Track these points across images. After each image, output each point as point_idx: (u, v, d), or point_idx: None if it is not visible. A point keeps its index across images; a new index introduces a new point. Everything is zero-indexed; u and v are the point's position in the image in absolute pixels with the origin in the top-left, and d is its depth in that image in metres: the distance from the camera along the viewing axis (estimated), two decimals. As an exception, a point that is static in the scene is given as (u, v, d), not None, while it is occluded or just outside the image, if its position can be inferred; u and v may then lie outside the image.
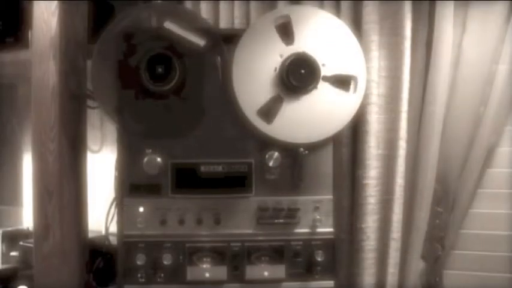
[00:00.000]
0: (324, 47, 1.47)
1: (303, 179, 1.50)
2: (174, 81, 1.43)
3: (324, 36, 1.48)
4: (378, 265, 1.66)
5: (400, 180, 1.64)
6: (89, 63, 1.64)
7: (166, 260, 1.46)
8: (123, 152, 1.48)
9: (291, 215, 1.49)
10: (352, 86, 1.49)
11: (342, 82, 1.48)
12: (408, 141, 1.66)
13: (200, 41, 1.44)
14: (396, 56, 1.65)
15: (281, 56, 1.46)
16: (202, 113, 1.47)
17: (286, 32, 1.47)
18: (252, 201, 1.49)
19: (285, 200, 1.50)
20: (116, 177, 1.52)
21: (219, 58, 1.47)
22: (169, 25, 1.43)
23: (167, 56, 1.42)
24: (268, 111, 1.45)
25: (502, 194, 1.73)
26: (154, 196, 1.48)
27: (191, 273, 1.47)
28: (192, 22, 1.50)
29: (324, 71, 1.46)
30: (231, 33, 1.50)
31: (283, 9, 1.55)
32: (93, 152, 2.12)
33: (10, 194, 2.40)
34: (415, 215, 1.67)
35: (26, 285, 1.83)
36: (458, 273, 1.76)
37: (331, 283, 1.50)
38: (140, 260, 1.46)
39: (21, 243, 1.99)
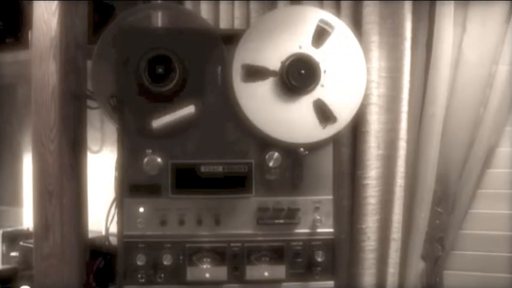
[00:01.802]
0: (332, 70, 1.48)
1: (303, 179, 1.50)
2: (174, 82, 1.43)
3: (338, 60, 1.49)
4: (378, 265, 1.66)
5: (400, 181, 1.64)
6: (89, 63, 1.64)
7: (167, 261, 1.46)
8: (123, 152, 1.48)
9: (291, 215, 1.49)
10: (329, 123, 1.48)
11: (323, 113, 1.48)
12: (408, 142, 1.66)
13: (190, 109, 1.43)
14: (396, 56, 1.65)
15: (281, 57, 1.46)
16: (202, 113, 1.46)
17: (320, 36, 1.48)
18: (252, 201, 1.49)
19: (285, 200, 1.50)
20: (116, 178, 1.51)
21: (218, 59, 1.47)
22: (157, 123, 1.42)
23: (167, 56, 1.42)
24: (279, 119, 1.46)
25: (502, 194, 1.73)
26: (154, 196, 1.48)
27: (191, 273, 1.47)
28: (192, 22, 1.50)
29: (323, 79, 1.46)
30: (231, 33, 1.50)
31: (273, 12, 1.56)
32: (93, 152, 2.12)
33: (10, 194, 2.40)
34: (415, 215, 1.67)
35: (26, 285, 1.84)
36: (458, 273, 1.76)
37: (331, 283, 1.50)
38: (140, 261, 1.46)
39: (21, 243, 1.99)
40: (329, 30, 1.48)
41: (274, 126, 1.46)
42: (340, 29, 1.50)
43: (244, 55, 1.45)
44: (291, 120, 1.46)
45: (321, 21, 1.48)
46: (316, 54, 1.46)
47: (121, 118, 1.47)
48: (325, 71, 1.46)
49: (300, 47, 1.46)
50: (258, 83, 1.45)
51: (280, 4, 1.73)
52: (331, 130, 1.48)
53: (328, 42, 1.48)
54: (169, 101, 1.44)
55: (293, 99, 1.46)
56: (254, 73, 1.45)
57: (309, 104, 1.46)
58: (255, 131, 1.46)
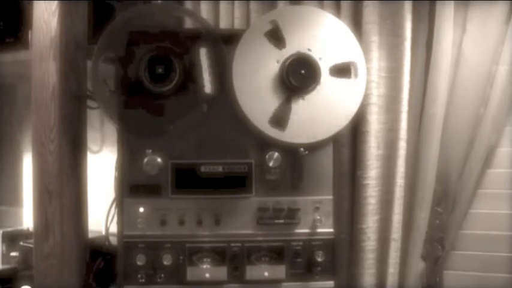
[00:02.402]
0: (317, 42, 1.47)
1: (303, 179, 1.50)
2: (174, 82, 1.43)
3: (316, 32, 1.48)
4: (378, 265, 1.67)
5: (400, 181, 1.64)
6: (89, 63, 1.64)
7: (167, 261, 1.46)
8: (123, 152, 1.48)
9: (291, 215, 1.49)
10: (352, 72, 1.48)
11: (342, 70, 1.48)
12: (408, 142, 1.66)
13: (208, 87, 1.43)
14: (396, 56, 1.65)
15: (278, 61, 1.46)
16: (202, 113, 1.46)
17: (276, 36, 1.47)
18: (252, 201, 1.49)
19: (285, 200, 1.50)
20: (116, 178, 1.52)
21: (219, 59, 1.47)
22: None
23: (167, 56, 1.42)
24: (280, 118, 1.46)
25: (502, 194, 1.73)
26: (154, 196, 1.48)
27: (191, 273, 1.47)
28: (192, 22, 1.50)
29: (322, 65, 1.46)
30: (231, 34, 1.50)
31: (270, 14, 1.55)
32: (93, 152, 2.12)
33: (10, 194, 2.40)
34: (415, 215, 1.67)
35: (26, 285, 1.84)
36: (458, 273, 1.76)
37: (331, 283, 1.50)
38: (140, 261, 1.46)
39: (21, 243, 1.99)
40: (350, 75, 1.48)
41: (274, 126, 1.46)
42: (282, 14, 1.49)
43: (244, 55, 1.45)
44: (291, 120, 1.46)
45: (353, 64, 1.48)
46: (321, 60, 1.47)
47: (121, 118, 1.47)
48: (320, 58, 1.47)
49: (310, 50, 1.46)
50: (258, 83, 1.45)
51: (280, 4, 1.73)
52: (311, 137, 1.47)
53: (285, 33, 1.47)
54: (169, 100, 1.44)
55: (293, 99, 1.46)
56: (254, 73, 1.45)
57: (326, 78, 1.46)
58: (255, 131, 1.46)
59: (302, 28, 1.48)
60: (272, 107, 1.46)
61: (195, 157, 1.48)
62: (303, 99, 1.46)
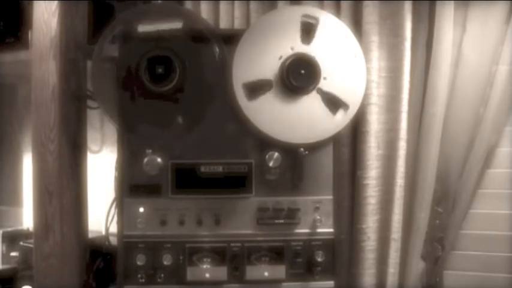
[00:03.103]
0: (329, 61, 1.47)
1: (303, 179, 1.50)
2: (174, 82, 1.43)
3: (334, 51, 1.48)
4: (378, 265, 1.67)
5: (400, 181, 1.64)
6: (89, 63, 1.64)
7: (167, 261, 1.46)
8: (123, 152, 1.48)
9: (291, 215, 1.49)
10: (340, 111, 1.48)
11: (333, 103, 1.48)
12: (408, 142, 1.66)
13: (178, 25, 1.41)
14: (396, 56, 1.65)
15: (280, 57, 1.46)
16: (202, 113, 1.46)
17: (308, 32, 1.47)
18: (252, 201, 1.49)
19: (285, 200, 1.50)
20: (116, 178, 1.52)
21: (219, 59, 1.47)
22: (143, 28, 1.42)
23: (167, 56, 1.42)
24: (279, 119, 1.46)
25: (502, 194, 1.73)
26: (155, 196, 1.48)
27: (191, 273, 1.47)
28: (192, 22, 1.50)
29: (322, 65, 1.46)
30: (231, 34, 1.50)
31: (271, 13, 1.56)
32: (93, 152, 2.12)
33: (10, 194, 2.40)
34: (415, 215, 1.67)
35: (26, 285, 1.84)
36: (458, 273, 1.76)
37: (331, 283, 1.50)
38: (140, 261, 1.46)
39: (21, 243, 1.99)
40: (313, 22, 1.47)
41: (274, 126, 1.46)
42: (325, 19, 1.48)
43: (244, 55, 1.45)
44: (291, 120, 1.46)
45: (304, 16, 1.47)
46: (310, 50, 1.46)
47: (121, 118, 1.47)
48: (325, 78, 1.46)
49: (292, 48, 1.46)
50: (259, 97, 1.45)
51: (280, 4, 1.73)
52: (345, 118, 1.47)
53: (318, 36, 1.47)
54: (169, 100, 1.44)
55: (293, 99, 1.46)
56: (254, 73, 1.45)
57: (315, 98, 1.46)
58: (255, 131, 1.46)
59: (283, 30, 1.47)
60: (272, 107, 1.46)
61: (195, 157, 1.48)
62: (303, 99, 1.46)
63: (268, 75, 1.46)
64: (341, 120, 1.49)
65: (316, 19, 1.47)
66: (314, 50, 1.46)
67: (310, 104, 1.47)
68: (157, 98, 1.44)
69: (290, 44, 1.46)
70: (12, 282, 1.98)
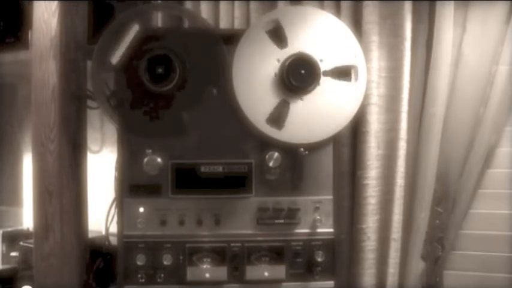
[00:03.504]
0: (318, 43, 1.47)
1: (303, 179, 1.50)
2: (174, 82, 1.43)
3: (317, 33, 1.48)
4: (378, 265, 1.67)
5: (400, 181, 1.64)
6: (89, 63, 1.64)
7: (167, 261, 1.46)
8: (123, 152, 1.48)
9: (291, 215, 1.49)
10: (353, 75, 1.48)
11: (343, 73, 1.48)
12: (408, 142, 1.66)
13: (135, 28, 1.42)
14: (396, 56, 1.65)
15: (278, 60, 1.46)
16: (202, 113, 1.46)
17: (278, 35, 1.47)
18: (252, 201, 1.49)
19: (285, 200, 1.50)
20: (116, 178, 1.52)
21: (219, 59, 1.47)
22: (115, 58, 1.42)
23: (167, 56, 1.42)
24: (277, 117, 1.46)
25: (502, 194, 1.73)
26: (155, 196, 1.48)
27: (191, 273, 1.47)
28: (192, 22, 1.50)
29: (323, 66, 1.46)
30: (231, 34, 1.50)
31: (271, 13, 1.55)
32: (93, 152, 2.12)
33: (10, 194, 2.40)
34: (415, 215, 1.67)
35: (26, 285, 1.84)
36: (458, 273, 1.76)
37: (331, 283, 1.50)
38: (140, 261, 1.46)
39: (21, 243, 1.99)
40: (274, 25, 1.47)
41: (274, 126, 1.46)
42: (285, 14, 1.49)
43: (244, 56, 1.45)
44: (291, 121, 1.46)
45: (264, 25, 1.47)
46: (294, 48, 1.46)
47: (121, 118, 1.47)
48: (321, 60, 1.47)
49: (321, 61, 1.46)
50: (258, 83, 1.45)
51: (280, 4, 1.73)
52: (311, 137, 1.47)
53: (287, 33, 1.47)
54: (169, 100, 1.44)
55: (293, 99, 1.46)
56: (255, 73, 1.45)
57: (315, 98, 1.46)
58: (255, 131, 1.46)
59: (302, 28, 1.48)
60: (272, 107, 1.46)
61: (195, 157, 1.48)
62: (303, 99, 1.46)
63: (268, 75, 1.46)
64: (341, 120, 1.49)
65: (276, 21, 1.47)
66: (296, 47, 1.46)
67: (311, 103, 1.47)
68: (157, 98, 1.44)
69: (277, 53, 1.46)
70: (12, 282, 1.98)
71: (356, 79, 1.48)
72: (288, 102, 1.46)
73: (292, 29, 1.47)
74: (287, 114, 1.46)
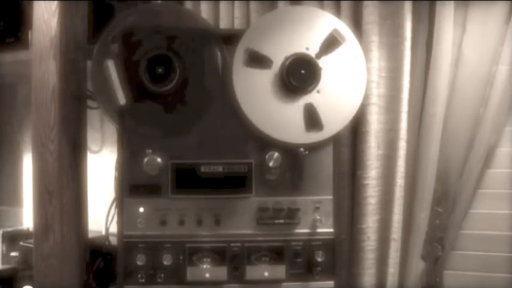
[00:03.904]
0: (316, 42, 1.47)
1: (303, 179, 1.50)
2: (174, 82, 1.43)
3: (315, 31, 1.48)
4: (378, 265, 1.67)
5: (400, 181, 1.64)
6: (89, 63, 1.64)
7: (167, 261, 1.46)
8: (123, 152, 1.48)
9: (291, 215, 1.49)
10: (340, 40, 1.48)
11: (331, 44, 1.48)
12: (408, 142, 1.66)
13: (122, 99, 1.42)
14: (396, 56, 1.65)
15: (285, 54, 1.46)
16: (202, 113, 1.46)
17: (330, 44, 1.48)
18: (252, 201, 1.49)
19: (285, 200, 1.50)
20: (116, 178, 1.52)
21: (219, 59, 1.47)
22: (110, 67, 1.42)
23: (167, 56, 1.42)
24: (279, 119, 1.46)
25: (502, 194, 1.73)
26: (155, 196, 1.48)
27: (191, 273, 1.47)
28: (192, 22, 1.50)
29: (322, 65, 1.46)
30: (231, 34, 1.50)
31: (268, 15, 1.56)
32: (93, 152, 2.12)
33: (10, 194, 2.40)
34: (415, 215, 1.67)
35: (27, 285, 1.84)
36: (458, 273, 1.76)
37: (331, 283, 1.50)
38: (140, 261, 1.46)
39: (21, 243, 1.99)
40: (340, 41, 1.48)
41: (274, 126, 1.46)
42: (351, 42, 1.49)
43: (249, 42, 1.45)
44: (291, 120, 1.46)
45: (335, 31, 1.48)
46: (321, 60, 1.46)
47: (121, 118, 1.47)
48: (324, 79, 1.46)
49: (307, 49, 1.46)
50: (258, 83, 1.45)
51: (280, 4, 1.73)
52: (315, 137, 1.47)
53: (336, 53, 1.48)
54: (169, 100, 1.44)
55: (293, 99, 1.46)
56: (256, 60, 1.45)
57: (300, 106, 1.46)
58: (254, 131, 1.46)
59: (302, 28, 1.48)
60: (272, 107, 1.46)
61: (195, 157, 1.48)
62: (303, 99, 1.46)
63: (269, 75, 1.46)
64: (341, 120, 1.49)
65: (344, 40, 1.49)
66: (325, 62, 1.47)
67: (301, 106, 1.47)
68: (157, 98, 1.44)
69: (306, 45, 1.46)
70: (12, 282, 1.98)
71: (343, 40, 1.48)
72: (289, 103, 1.46)
73: (291, 29, 1.47)
74: (289, 114, 1.46)
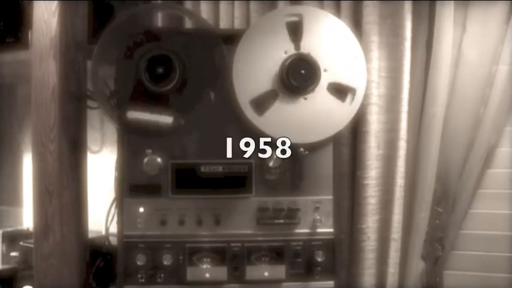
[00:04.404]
0: (328, 52, 1.47)
1: (303, 179, 1.50)
2: (174, 82, 1.43)
3: (329, 42, 1.48)
4: (378, 265, 1.67)
5: (400, 181, 1.64)
6: (89, 63, 1.64)
7: (167, 261, 1.46)
8: (123, 152, 1.48)
9: (291, 215, 1.49)
10: (349, 98, 1.48)
11: (340, 91, 1.48)
12: (408, 142, 1.66)
13: (168, 120, 1.43)
14: (396, 56, 1.65)
15: (286, 51, 1.45)
16: (202, 113, 1.46)
17: (295, 31, 1.46)
18: (252, 201, 1.49)
19: (285, 201, 1.50)
20: (116, 178, 1.52)
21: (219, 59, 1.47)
22: (132, 114, 1.42)
23: (167, 56, 1.42)
24: (262, 104, 1.45)
25: (502, 194, 1.73)
26: (154, 196, 1.48)
27: (191, 273, 1.47)
28: (192, 22, 1.50)
29: (325, 77, 1.46)
30: (231, 33, 1.50)
31: (296, 8, 1.55)
32: (93, 152, 2.12)
33: (10, 194, 2.40)
34: (415, 215, 1.67)
35: (27, 285, 1.84)
36: (458, 273, 1.76)
37: (331, 283, 1.50)
38: (140, 261, 1.46)
39: (21, 243, 1.99)
40: (298, 19, 1.47)
41: (274, 126, 1.46)
42: (309, 13, 1.48)
43: (244, 55, 1.45)
44: (292, 120, 1.46)
45: (287, 15, 1.47)
46: (302, 48, 1.46)
47: (121, 118, 1.47)
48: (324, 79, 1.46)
49: (286, 52, 1.46)
50: (258, 84, 1.45)
51: (280, 4, 1.73)
52: (315, 137, 1.46)
53: (305, 31, 1.46)
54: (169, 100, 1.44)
55: (293, 99, 1.46)
56: (254, 73, 1.45)
57: (300, 106, 1.46)
58: (255, 131, 1.46)
59: (316, 32, 1.48)
60: (272, 107, 1.46)
61: (195, 157, 1.48)
62: (303, 99, 1.46)
63: (269, 75, 1.46)
64: (341, 120, 1.49)
65: (299, 15, 1.47)
66: (306, 47, 1.46)
67: (311, 103, 1.47)
68: (157, 98, 1.44)
69: (284, 49, 1.46)
70: (12, 282, 1.98)
71: (351, 102, 1.48)
72: (289, 103, 1.46)
73: (306, 29, 1.47)
74: (289, 114, 1.46)
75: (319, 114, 1.47)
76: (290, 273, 1.49)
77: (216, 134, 1.48)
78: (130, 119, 1.42)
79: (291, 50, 1.46)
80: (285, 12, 1.49)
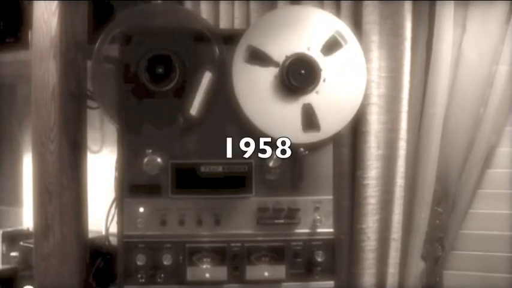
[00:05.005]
0: (316, 42, 1.47)
1: (303, 179, 1.49)
2: (174, 82, 1.43)
3: (315, 31, 1.48)
4: (378, 265, 1.67)
5: (400, 181, 1.64)
6: (89, 63, 1.64)
7: (167, 261, 1.46)
8: (123, 152, 1.48)
9: (291, 215, 1.49)
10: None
11: (332, 46, 1.48)
12: (408, 142, 1.66)
13: (207, 76, 1.43)
14: (396, 56, 1.65)
15: (286, 52, 1.46)
16: (202, 113, 1.46)
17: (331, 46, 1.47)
18: (252, 201, 1.49)
19: (285, 200, 1.50)
20: (116, 178, 1.52)
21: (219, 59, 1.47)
22: (193, 109, 1.43)
23: (167, 56, 1.42)
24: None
25: (502, 194, 1.73)
26: (154, 196, 1.48)
27: (191, 273, 1.47)
28: (192, 22, 1.50)
29: (322, 65, 1.46)
30: (231, 33, 1.50)
31: (267, 15, 1.55)
32: (93, 152, 2.12)
33: (10, 194, 2.40)
34: (415, 215, 1.67)
35: (28, 285, 1.84)
36: (458, 273, 1.76)
37: (331, 283, 1.50)
38: (140, 261, 1.46)
39: (21, 243, 1.99)
40: (342, 44, 1.48)
41: (274, 126, 1.46)
42: (353, 45, 1.49)
43: (251, 40, 1.45)
44: (291, 120, 1.46)
45: (337, 33, 1.48)
46: (322, 60, 1.46)
47: (121, 118, 1.47)
48: (324, 80, 1.46)
49: (308, 49, 1.46)
50: (258, 83, 1.45)
51: (280, 4, 1.74)
52: (314, 137, 1.47)
53: (337, 55, 1.48)
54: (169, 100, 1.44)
55: (293, 99, 1.46)
56: (257, 58, 1.45)
57: (299, 106, 1.46)
58: (255, 131, 1.46)
59: (302, 28, 1.48)
60: (272, 107, 1.46)
61: (195, 157, 1.48)
62: (303, 99, 1.46)
63: (269, 75, 1.46)
64: (341, 120, 1.49)
65: (346, 42, 1.48)
66: (326, 63, 1.47)
67: (311, 103, 1.47)
68: (157, 98, 1.44)
69: (307, 45, 1.46)
70: (12, 282, 1.98)
71: (346, 43, 1.48)
72: (289, 103, 1.46)
73: (291, 29, 1.47)
74: (289, 114, 1.46)
75: (320, 113, 1.47)
76: (290, 273, 1.49)
77: (216, 134, 1.48)
78: (196, 114, 1.43)
79: (291, 50, 1.46)
80: (338, 27, 1.49)
